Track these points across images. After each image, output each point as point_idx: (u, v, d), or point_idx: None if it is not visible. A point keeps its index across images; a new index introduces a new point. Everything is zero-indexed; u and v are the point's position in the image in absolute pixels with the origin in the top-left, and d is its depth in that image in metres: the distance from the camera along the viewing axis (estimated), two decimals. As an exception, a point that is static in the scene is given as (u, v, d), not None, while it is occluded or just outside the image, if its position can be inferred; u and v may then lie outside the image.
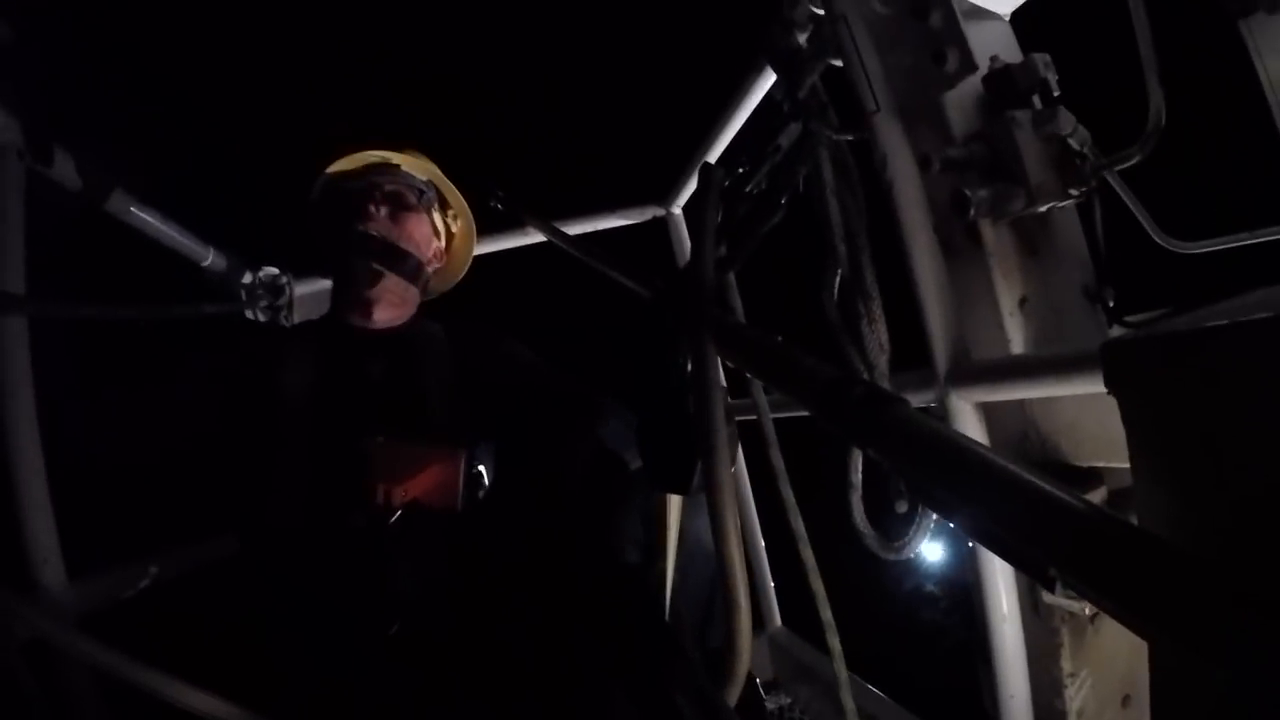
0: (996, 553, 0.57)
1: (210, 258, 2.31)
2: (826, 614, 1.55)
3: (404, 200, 1.65)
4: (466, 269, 1.90)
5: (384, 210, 1.60)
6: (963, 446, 0.55)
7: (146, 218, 2.01)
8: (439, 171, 1.73)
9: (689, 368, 1.05)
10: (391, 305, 1.65)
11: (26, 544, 1.38)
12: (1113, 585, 0.44)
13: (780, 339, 0.85)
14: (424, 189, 1.70)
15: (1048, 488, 0.48)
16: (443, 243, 1.78)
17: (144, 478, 1.58)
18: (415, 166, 1.70)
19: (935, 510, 0.60)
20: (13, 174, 1.49)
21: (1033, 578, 0.51)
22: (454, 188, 1.75)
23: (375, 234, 1.58)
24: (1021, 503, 0.49)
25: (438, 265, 1.78)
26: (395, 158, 1.67)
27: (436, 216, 1.74)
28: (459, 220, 1.81)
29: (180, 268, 2.28)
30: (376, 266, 1.58)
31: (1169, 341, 0.56)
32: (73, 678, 1.35)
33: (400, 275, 1.61)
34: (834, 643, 1.53)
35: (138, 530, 1.74)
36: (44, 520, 1.41)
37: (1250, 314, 0.50)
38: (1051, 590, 0.50)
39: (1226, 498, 0.51)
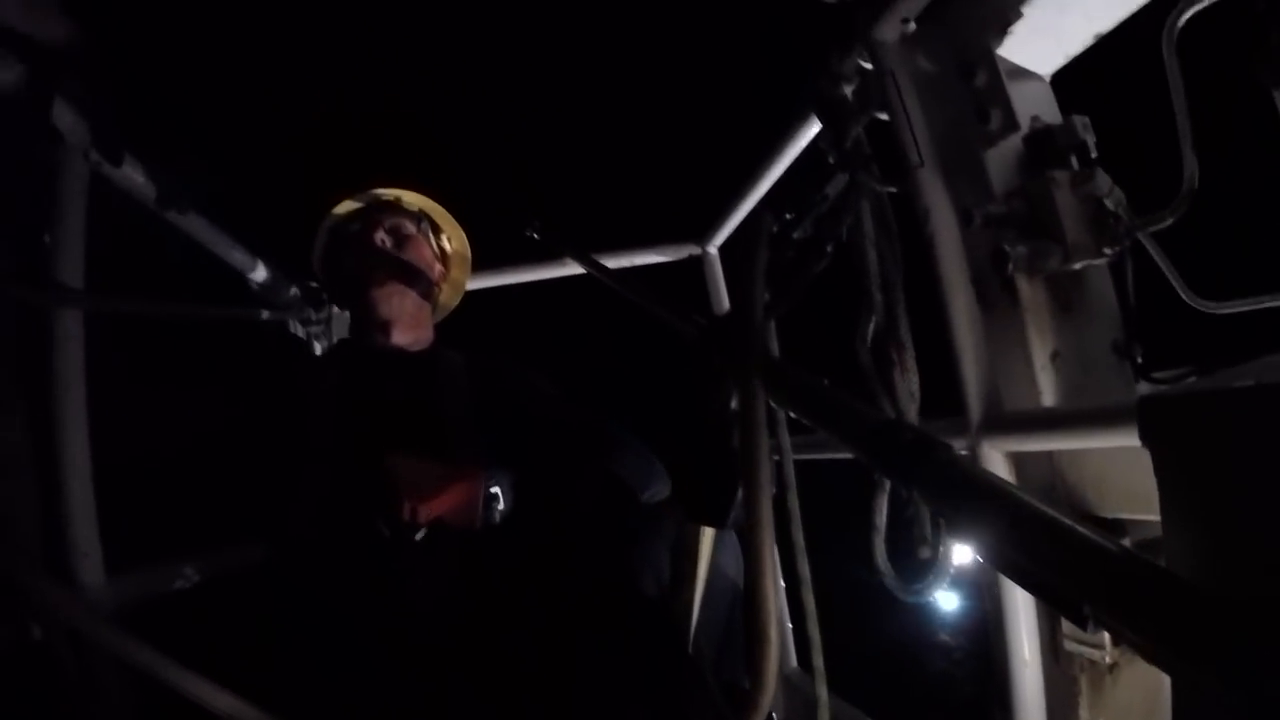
0: (1032, 591, 0.60)
1: (257, 269, 2.37)
2: (818, 661, 1.57)
3: (403, 229, 1.78)
4: (465, 287, 2.04)
5: (388, 241, 1.73)
6: (1006, 491, 0.59)
7: (201, 226, 2.07)
8: (430, 201, 1.85)
9: (732, 406, 1.08)
10: (408, 327, 1.74)
11: (68, 538, 1.40)
12: (1142, 621, 0.47)
13: (827, 383, 0.89)
14: (419, 217, 1.84)
15: (1086, 533, 0.52)
16: (441, 265, 1.91)
17: (183, 486, 1.63)
18: (408, 199, 1.82)
19: (974, 550, 0.63)
20: (78, 173, 1.55)
21: (1067, 616, 0.55)
22: (445, 212, 1.87)
23: (385, 258, 1.70)
24: (1062, 546, 0.53)
25: (441, 285, 1.91)
26: (389, 193, 1.79)
27: (432, 240, 1.87)
28: (453, 241, 1.94)
29: (224, 277, 2.34)
30: (391, 286, 1.68)
31: (1203, 400, 0.59)
32: (104, 670, 1.37)
33: (413, 290, 1.73)
34: (821, 692, 1.55)
35: (175, 533, 1.78)
36: (86, 516, 1.43)
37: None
38: (1084, 628, 0.53)
39: (1252, 549, 0.55)
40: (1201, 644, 0.44)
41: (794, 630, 1.57)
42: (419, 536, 1.36)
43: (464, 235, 1.93)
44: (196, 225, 2.04)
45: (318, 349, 2.52)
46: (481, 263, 2.60)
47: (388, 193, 1.80)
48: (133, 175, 1.71)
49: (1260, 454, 0.55)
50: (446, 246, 1.93)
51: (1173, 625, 0.45)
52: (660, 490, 1.56)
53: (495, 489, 1.44)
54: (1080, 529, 0.52)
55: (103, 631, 1.14)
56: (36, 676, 1.24)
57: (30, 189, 1.51)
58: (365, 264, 1.70)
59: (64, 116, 1.46)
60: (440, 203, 1.86)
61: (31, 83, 1.36)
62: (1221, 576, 0.56)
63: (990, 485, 0.60)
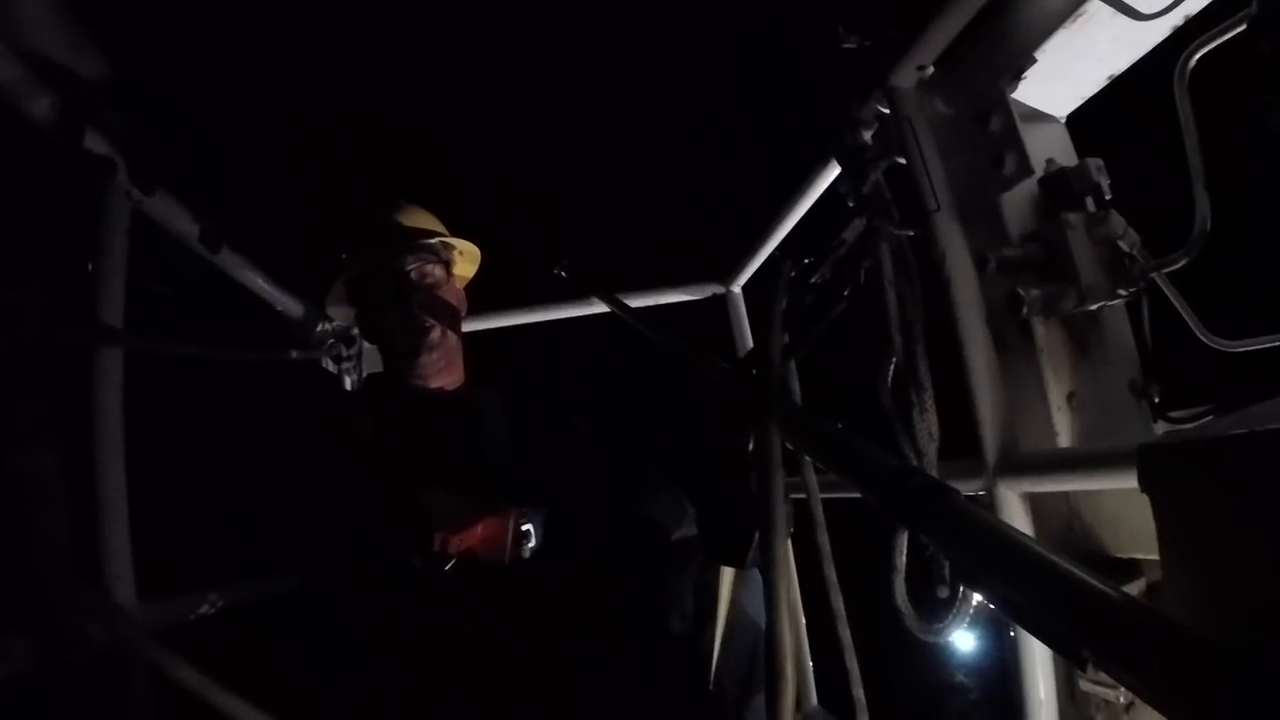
0: (1033, 633, 0.62)
1: (291, 305, 2.43)
2: (859, 693, 1.58)
3: (432, 277, 1.76)
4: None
5: (424, 302, 1.72)
6: (1008, 536, 0.61)
7: (237, 263, 2.12)
8: (433, 218, 1.83)
9: (750, 448, 1.11)
10: (447, 370, 1.77)
11: (102, 561, 1.44)
12: (1136, 664, 0.49)
13: (841, 427, 0.92)
14: (438, 250, 1.79)
15: (1083, 576, 0.54)
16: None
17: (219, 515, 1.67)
18: (418, 221, 1.80)
19: (980, 593, 0.66)
20: (120, 212, 1.58)
21: (1066, 657, 0.57)
22: (446, 231, 1.84)
23: (425, 319, 1.71)
24: (1059, 589, 0.55)
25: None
26: (402, 225, 1.77)
27: (452, 269, 1.85)
28: (463, 254, 1.91)
29: (254, 310, 2.39)
30: (431, 341, 1.72)
31: (1196, 448, 0.62)
32: (137, 696, 1.39)
33: (452, 333, 1.76)
34: (862, 720, 1.55)
35: (209, 560, 1.82)
36: (121, 540, 1.47)
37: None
38: (1083, 669, 0.55)
39: (1246, 594, 0.57)
40: (1195, 688, 0.45)
41: (834, 664, 1.57)
42: (448, 568, 1.40)
43: (472, 246, 1.90)
44: (232, 263, 2.10)
45: (348, 383, 2.57)
46: (509, 300, 2.66)
47: (401, 221, 1.78)
48: (173, 212, 1.77)
49: (1253, 501, 0.58)
50: (456, 258, 1.89)
51: (1166, 668, 0.47)
52: (689, 530, 1.58)
53: (527, 525, 1.47)
54: (1079, 573, 0.55)
55: (148, 646, 1.18)
56: (66, 698, 1.26)
57: (74, 227, 1.53)
58: (404, 326, 1.72)
59: (99, 146, 1.50)
60: (470, 238, 1.85)
61: (65, 113, 1.39)
62: (1217, 621, 0.58)
63: (993, 531, 0.62)
